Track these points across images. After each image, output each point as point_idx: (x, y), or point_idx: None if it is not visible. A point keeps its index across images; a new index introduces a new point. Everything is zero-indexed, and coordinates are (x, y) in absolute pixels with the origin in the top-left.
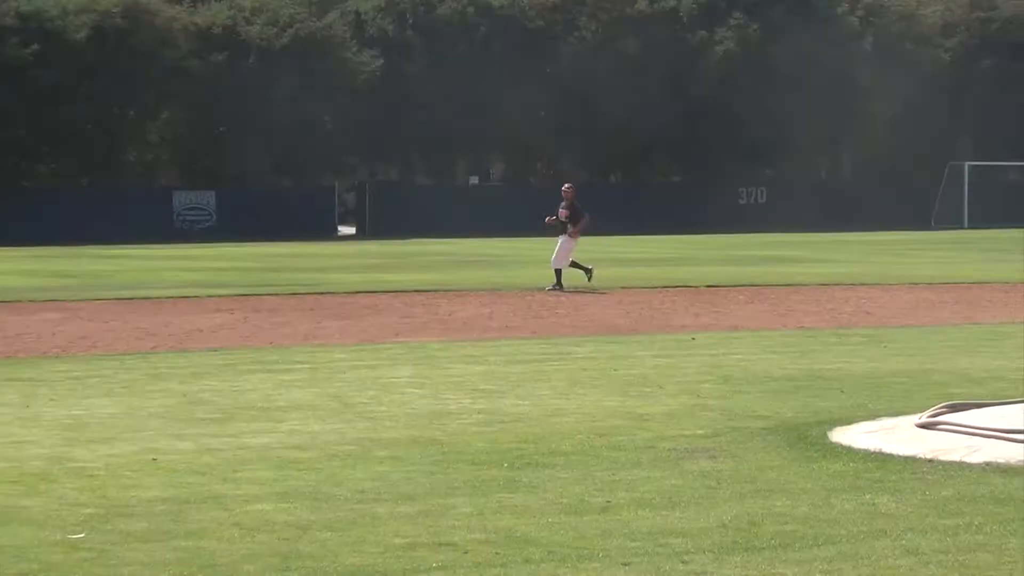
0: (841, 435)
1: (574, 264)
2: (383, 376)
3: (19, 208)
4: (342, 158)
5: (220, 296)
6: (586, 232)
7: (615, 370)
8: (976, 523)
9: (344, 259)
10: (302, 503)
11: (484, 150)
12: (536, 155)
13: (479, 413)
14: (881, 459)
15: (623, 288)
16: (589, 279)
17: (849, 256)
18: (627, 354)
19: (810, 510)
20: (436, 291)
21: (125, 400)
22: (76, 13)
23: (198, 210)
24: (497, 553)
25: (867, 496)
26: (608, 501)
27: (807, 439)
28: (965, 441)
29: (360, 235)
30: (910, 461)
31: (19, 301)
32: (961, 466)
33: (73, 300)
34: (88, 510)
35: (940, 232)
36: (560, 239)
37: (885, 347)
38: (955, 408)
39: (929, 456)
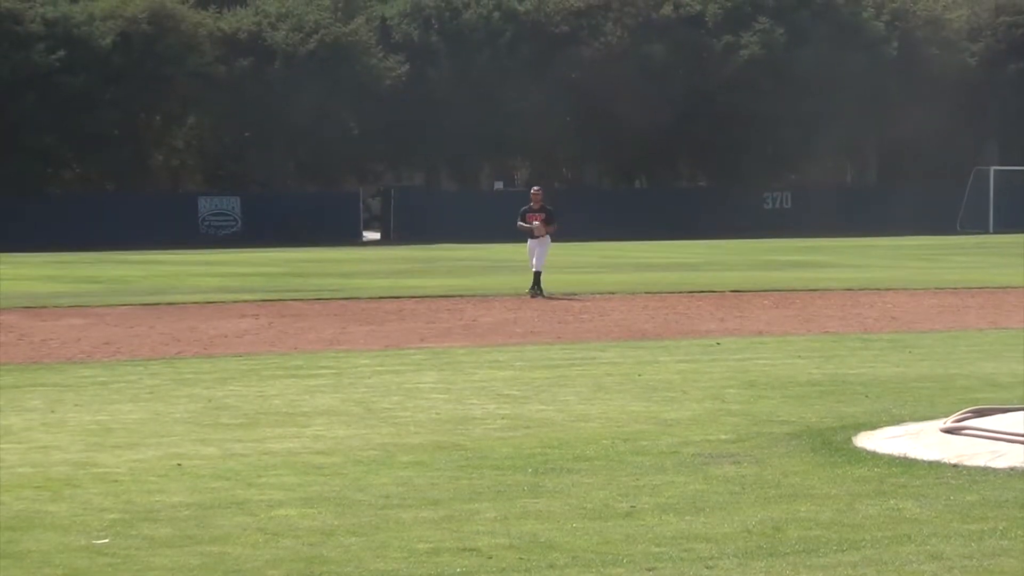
0: (866, 440)
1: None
2: (408, 381)
3: (45, 214)
4: (367, 163)
5: (245, 301)
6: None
7: (640, 375)
8: (1001, 528)
9: (369, 264)
10: (326, 508)
11: (509, 155)
12: (560, 160)
13: (503, 418)
14: (906, 464)
15: (648, 293)
16: (536, 292)
17: (874, 261)
18: (652, 359)
19: (834, 515)
20: (461, 296)
21: (150, 405)
22: (102, 19)
23: (223, 215)
24: (521, 558)
25: (892, 501)
26: (632, 506)
27: (832, 444)
28: (990, 446)
29: (385, 240)
30: (935, 466)
31: (44, 307)
32: (986, 471)
33: (98, 305)
34: (113, 515)
35: (965, 237)
36: (530, 242)
37: (910, 352)
38: (980, 413)
39: (954, 461)
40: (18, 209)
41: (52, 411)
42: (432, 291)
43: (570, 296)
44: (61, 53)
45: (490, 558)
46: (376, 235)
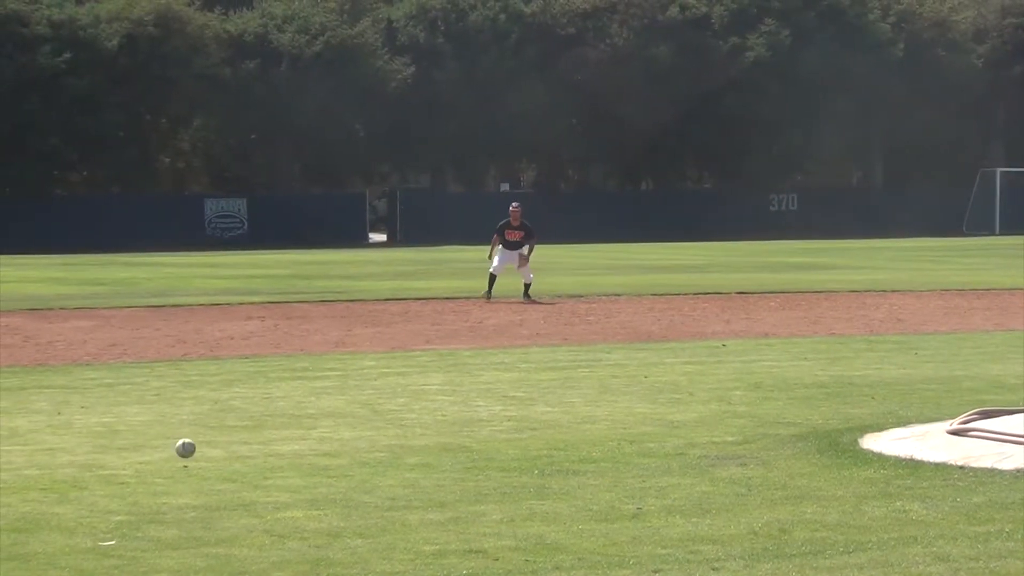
0: (872, 442)
1: (492, 278)
2: (413, 383)
3: (51, 216)
4: (373, 165)
5: (251, 303)
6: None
7: (645, 377)
8: (1007, 530)
9: (375, 266)
10: (332, 510)
11: (514, 157)
12: (566, 162)
13: (509, 420)
14: (912, 466)
15: (654, 295)
16: (487, 297)
17: (880, 263)
18: (657, 361)
19: (841, 517)
20: (467, 298)
21: (156, 407)
22: (108, 21)
23: (229, 217)
24: (527, 560)
25: (898, 503)
26: (638, 508)
27: (838, 446)
28: (996, 448)
29: (391, 242)
30: (941, 468)
31: (50, 309)
32: (992, 473)
33: (104, 308)
34: (119, 517)
35: (971, 239)
36: (502, 252)
37: (916, 354)
38: (986, 414)
39: (960, 463)
40: (24, 211)
41: (58, 413)
42: (438, 293)
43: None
44: (67, 55)
45: (496, 560)
46: (382, 237)
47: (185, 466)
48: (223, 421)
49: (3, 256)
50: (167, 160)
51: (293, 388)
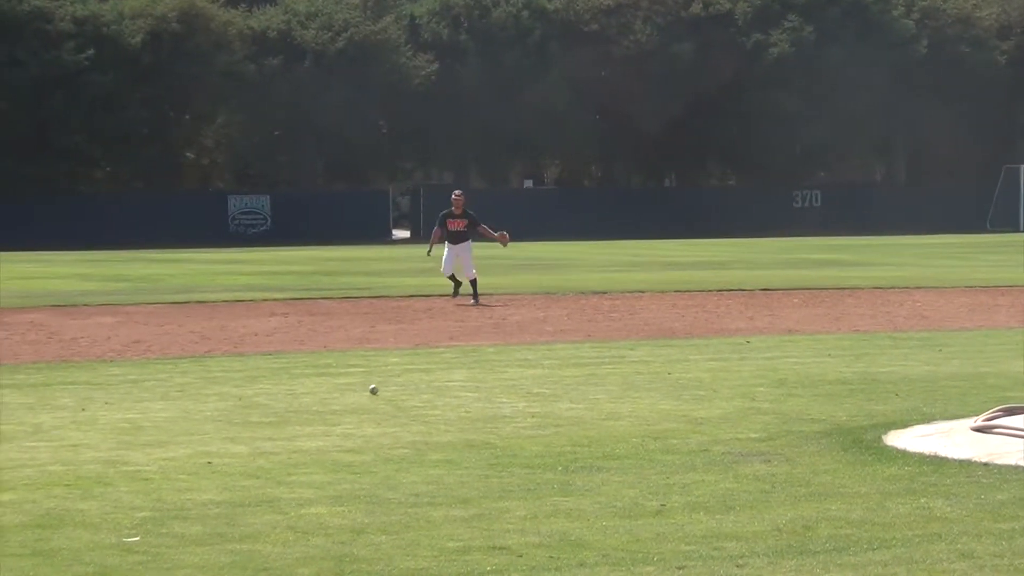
0: (896, 439)
1: (452, 277)
2: (437, 379)
3: (75, 212)
4: (396, 162)
5: (275, 300)
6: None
7: (669, 373)
8: None
9: (398, 263)
10: (356, 506)
11: (538, 153)
12: (590, 158)
13: (533, 416)
14: (936, 463)
15: (677, 291)
16: (455, 294)
17: (904, 259)
18: (681, 357)
19: (865, 514)
20: (490, 294)
21: (180, 404)
22: (132, 18)
23: (253, 214)
24: (551, 557)
25: (922, 500)
26: (662, 504)
27: (862, 443)
28: (1021, 445)
29: (414, 239)
30: (965, 465)
31: (74, 305)
32: (1017, 470)
33: (128, 304)
34: (143, 513)
35: (995, 235)
36: (448, 248)
37: (940, 350)
38: (1011, 411)
39: (984, 460)
40: (48, 208)
41: (83, 409)
42: (461, 289)
43: (599, 294)
44: (90, 52)
45: (520, 556)
46: (406, 233)
47: (209, 462)
48: (247, 417)
49: (27, 252)
50: (191, 157)
51: (317, 384)
